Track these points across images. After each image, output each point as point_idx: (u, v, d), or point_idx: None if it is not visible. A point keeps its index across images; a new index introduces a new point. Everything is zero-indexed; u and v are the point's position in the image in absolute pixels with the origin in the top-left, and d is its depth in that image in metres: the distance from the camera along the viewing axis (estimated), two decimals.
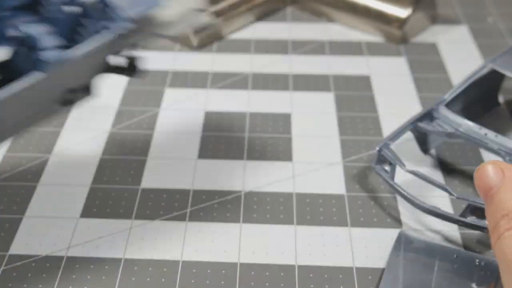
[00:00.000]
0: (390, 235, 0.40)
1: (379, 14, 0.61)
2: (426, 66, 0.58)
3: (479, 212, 0.37)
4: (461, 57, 0.59)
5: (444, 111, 0.44)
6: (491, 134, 0.41)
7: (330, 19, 0.65)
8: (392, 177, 0.41)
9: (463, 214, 0.38)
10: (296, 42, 0.62)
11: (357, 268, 0.38)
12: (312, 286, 0.37)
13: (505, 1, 0.69)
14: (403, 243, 0.38)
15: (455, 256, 0.37)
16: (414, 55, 0.59)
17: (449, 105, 0.45)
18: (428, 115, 0.44)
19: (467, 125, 0.42)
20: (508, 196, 0.26)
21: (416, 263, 0.37)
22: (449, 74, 0.56)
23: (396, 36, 0.60)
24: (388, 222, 0.41)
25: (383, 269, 0.37)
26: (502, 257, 0.25)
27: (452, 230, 0.40)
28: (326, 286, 0.37)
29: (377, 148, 0.42)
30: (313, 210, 0.42)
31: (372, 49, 0.60)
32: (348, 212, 0.42)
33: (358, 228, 0.41)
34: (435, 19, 0.64)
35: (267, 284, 0.37)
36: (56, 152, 0.47)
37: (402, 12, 0.60)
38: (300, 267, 0.38)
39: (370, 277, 0.37)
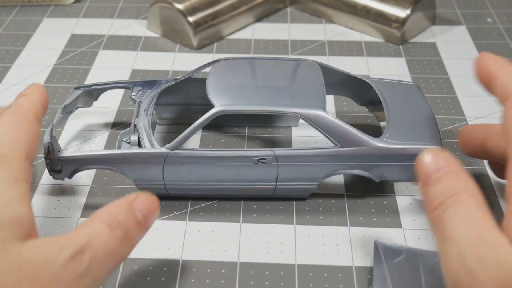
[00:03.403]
0: (389, 234, 0.40)
1: (378, 14, 0.61)
2: (426, 66, 0.58)
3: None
4: (461, 57, 0.59)
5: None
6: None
7: (330, 19, 0.65)
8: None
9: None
10: (296, 42, 0.62)
11: (356, 267, 0.38)
12: (311, 285, 0.37)
13: (505, 1, 0.69)
14: (383, 254, 0.38)
15: (436, 258, 0.37)
16: (413, 55, 0.59)
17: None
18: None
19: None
20: (454, 180, 0.30)
21: (403, 272, 0.37)
22: (449, 74, 0.56)
23: (395, 36, 0.61)
24: (388, 221, 0.41)
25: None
26: (441, 227, 0.29)
27: None
28: (326, 285, 0.37)
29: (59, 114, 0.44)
30: (312, 209, 0.42)
31: (372, 49, 0.60)
32: (348, 212, 0.42)
33: (358, 227, 0.41)
34: (434, 19, 0.65)
35: (267, 283, 0.37)
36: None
37: (401, 12, 0.60)
38: (299, 266, 0.38)
39: (369, 276, 0.37)
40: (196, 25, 0.59)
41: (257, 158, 0.39)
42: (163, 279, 0.37)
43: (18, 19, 0.66)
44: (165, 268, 0.38)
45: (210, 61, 0.45)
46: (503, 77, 0.34)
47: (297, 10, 0.68)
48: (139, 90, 0.46)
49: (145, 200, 0.32)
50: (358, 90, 0.48)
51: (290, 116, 0.48)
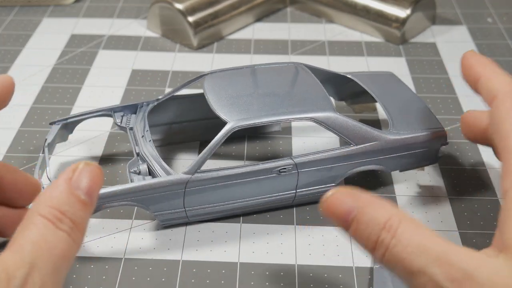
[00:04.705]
0: None
1: (378, 14, 0.61)
2: (426, 66, 0.58)
3: None
4: (460, 57, 0.59)
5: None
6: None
7: (330, 19, 0.65)
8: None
9: None
10: (296, 42, 0.62)
11: (356, 268, 0.38)
12: (311, 285, 0.37)
13: (505, 1, 0.69)
14: None
15: None
16: (413, 55, 0.59)
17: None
18: None
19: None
20: (374, 212, 0.28)
21: None
22: (449, 74, 0.56)
23: (395, 36, 0.61)
24: None
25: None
26: (399, 264, 0.27)
27: (452, 230, 0.40)
28: (326, 286, 0.37)
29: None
30: (312, 210, 0.42)
31: (372, 49, 0.60)
32: None
33: None
34: (434, 19, 0.65)
35: (267, 283, 0.37)
36: (57, 152, 0.47)
37: (401, 12, 0.60)
38: (300, 266, 0.38)
39: (369, 277, 0.37)
40: (196, 25, 0.59)
41: (278, 168, 0.39)
42: (163, 279, 0.37)
43: (18, 19, 0.66)
44: (165, 268, 0.38)
45: (190, 79, 0.44)
46: (488, 77, 0.34)
47: (297, 10, 0.68)
48: (122, 116, 0.44)
49: (84, 173, 0.28)
50: (337, 85, 0.48)
51: None
